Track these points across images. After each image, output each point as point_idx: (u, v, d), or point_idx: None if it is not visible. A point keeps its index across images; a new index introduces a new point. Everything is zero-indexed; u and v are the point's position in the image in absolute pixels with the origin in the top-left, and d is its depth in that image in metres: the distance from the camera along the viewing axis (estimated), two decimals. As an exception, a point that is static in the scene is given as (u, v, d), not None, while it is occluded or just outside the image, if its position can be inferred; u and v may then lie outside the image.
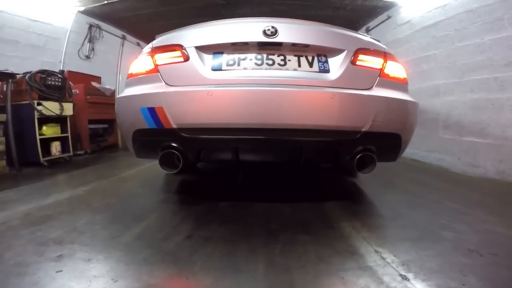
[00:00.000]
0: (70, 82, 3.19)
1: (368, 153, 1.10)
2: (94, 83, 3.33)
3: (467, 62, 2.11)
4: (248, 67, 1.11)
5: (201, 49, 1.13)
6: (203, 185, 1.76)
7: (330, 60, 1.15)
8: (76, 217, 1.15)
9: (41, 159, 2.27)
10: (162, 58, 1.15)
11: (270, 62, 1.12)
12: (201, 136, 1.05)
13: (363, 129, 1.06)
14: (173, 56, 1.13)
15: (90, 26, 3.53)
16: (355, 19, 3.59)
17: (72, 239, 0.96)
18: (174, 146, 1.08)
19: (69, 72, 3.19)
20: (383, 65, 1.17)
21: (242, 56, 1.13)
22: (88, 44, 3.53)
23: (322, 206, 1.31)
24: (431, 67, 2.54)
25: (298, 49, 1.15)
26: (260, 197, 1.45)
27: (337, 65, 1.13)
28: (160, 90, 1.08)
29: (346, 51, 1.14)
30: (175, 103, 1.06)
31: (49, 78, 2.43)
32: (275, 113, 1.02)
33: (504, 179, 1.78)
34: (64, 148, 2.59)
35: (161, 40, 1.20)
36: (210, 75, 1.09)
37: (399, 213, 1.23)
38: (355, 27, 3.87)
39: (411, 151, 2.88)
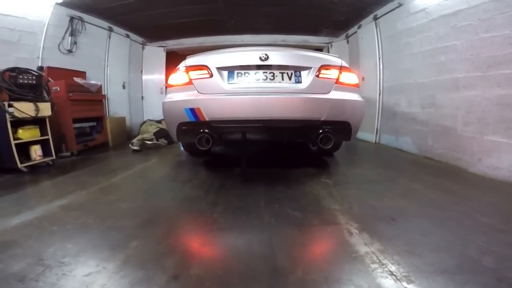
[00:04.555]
0: (49, 78, 2.97)
1: (326, 134, 1.69)
2: (77, 79, 3.10)
3: (494, 54, 1.92)
4: (250, 81, 1.73)
5: (220, 69, 1.73)
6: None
7: (302, 74, 1.75)
8: (44, 244, 0.99)
9: (19, 165, 2.09)
10: (194, 74, 1.74)
11: (264, 77, 1.74)
12: (223, 125, 1.69)
13: (322, 119, 1.70)
14: (202, 73, 1.73)
15: (71, 19, 3.27)
16: (361, 6, 3.36)
17: (36, 275, 0.80)
18: (206, 131, 1.67)
19: (49, 68, 2.97)
20: (338, 75, 1.77)
21: (246, 73, 1.74)
22: (70, 37, 3.27)
23: (339, 231, 1.16)
24: (450, 58, 2.34)
25: (282, 68, 1.74)
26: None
27: (306, 77, 1.74)
28: (197, 97, 1.69)
29: (313, 67, 1.73)
30: (208, 105, 1.68)
31: (21, 76, 2.20)
32: (268, 110, 1.65)
33: (535, 185, 1.63)
34: (46, 151, 2.40)
35: (192, 61, 1.80)
36: (227, 86, 1.71)
37: (428, 233, 1.07)
38: (360, 15, 3.66)
39: (424, 148, 2.72)
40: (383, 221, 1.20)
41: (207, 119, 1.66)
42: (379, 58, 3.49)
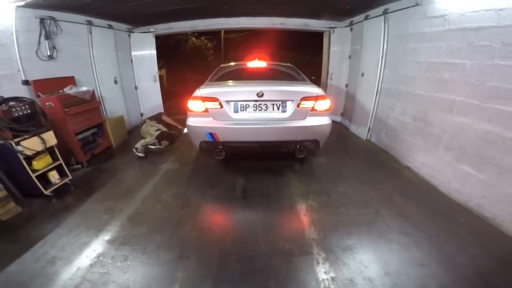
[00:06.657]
0: (39, 93, 3.11)
1: (301, 148, 2.93)
2: (67, 89, 3.34)
3: (499, 86, 2.01)
4: (250, 111, 2.81)
5: (228, 101, 2.79)
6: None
7: (287, 104, 2.79)
8: (123, 279, 1.65)
9: (45, 192, 2.59)
10: (209, 104, 2.78)
11: (260, 109, 2.81)
12: (232, 145, 2.91)
13: (298, 139, 2.88)
14: (214, 104, 2.78)
15: (42, 20, 3.25)
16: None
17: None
18: (221, 148, 2.91)
19: (35, 82, 3.13)
20: (314, 104, 2.78)
21: (247, 105, 2.80)
22: (46, 41, 3.31)
23: (311, 260, 1.88)
24: (454, 78, 2.48)
25: (273, 101, 2.77)
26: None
27: (290, 108, 2.79)
28: (213, 124, 2.79)
29: (295, 100, 2.76)
30: (221, 130, 2.79)
31: (14, 109, 2.35)
32: (262, 136, 2.82)
33: (481, 213, 2.25)
34: (61, 172, 2.87)
35: (205, 92, 2.81)
36: (234, 115, 2.80)
37: (369, 264, 1.77)
38: (369, 5, 3.70)
39: (407, 158, 3.24)
40: (344, 252, 1.90)
41: (221, 140, 2.83)
42: (382, 57, 3.67)
